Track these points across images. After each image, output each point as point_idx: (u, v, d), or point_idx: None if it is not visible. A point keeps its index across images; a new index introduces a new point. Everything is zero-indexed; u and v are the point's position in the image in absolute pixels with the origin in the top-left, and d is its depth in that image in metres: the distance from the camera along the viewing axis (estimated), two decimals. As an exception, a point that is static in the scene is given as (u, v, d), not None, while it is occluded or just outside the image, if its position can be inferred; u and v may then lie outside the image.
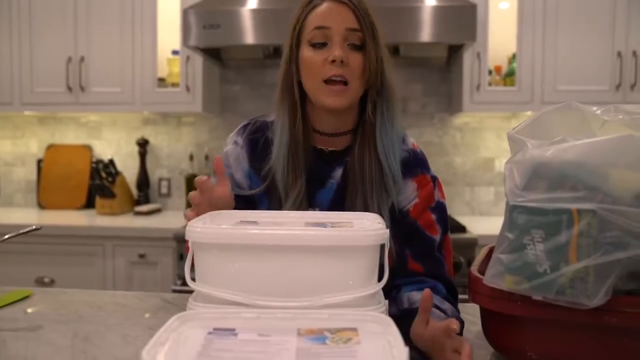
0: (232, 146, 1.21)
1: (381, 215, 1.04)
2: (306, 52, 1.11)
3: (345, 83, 1.09)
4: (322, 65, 1.09)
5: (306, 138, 1.15)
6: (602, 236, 0.70)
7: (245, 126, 1.23)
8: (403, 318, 0.95)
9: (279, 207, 1.13)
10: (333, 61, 1.08)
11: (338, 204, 1.14)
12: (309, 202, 1.13)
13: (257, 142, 1.20)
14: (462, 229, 2.49)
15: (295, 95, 1.14)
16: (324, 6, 1.11)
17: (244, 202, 1.16)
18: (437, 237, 1.14)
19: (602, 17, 2.62)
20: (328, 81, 1.09)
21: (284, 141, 1.14)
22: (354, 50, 1.10)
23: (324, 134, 1.17)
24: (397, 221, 1.12)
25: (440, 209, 1.16)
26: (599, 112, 0.81)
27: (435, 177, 1.19)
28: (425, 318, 0.88)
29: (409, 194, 1.15)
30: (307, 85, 1.13)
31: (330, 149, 1.18)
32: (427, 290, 0.87)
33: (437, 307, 1.00)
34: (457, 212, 3.03)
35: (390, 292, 1.10)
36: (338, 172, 1.16)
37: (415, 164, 1.17)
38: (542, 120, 0.84)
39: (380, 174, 1.12)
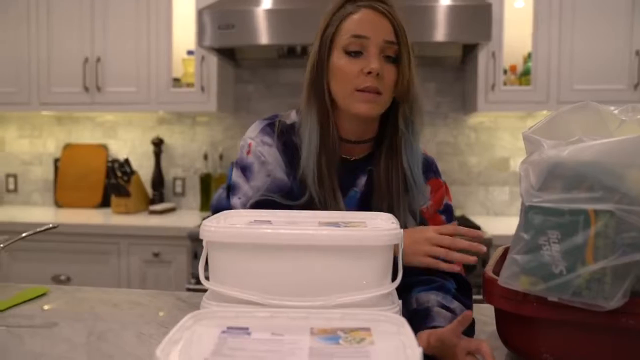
0: (264, 147, 1.15)
1: (405, 221, 1.09)
2: (340, 60, 1.09)
3: (378, 92, 1.08)
4: (357, 75, 1.07)
5: (337, 144, 1.14)
6: (619, 237, 0.69)
7: (270, 125, 1.18)
8: (411, 319, 0.95)
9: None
10: (369, 73, 1.06)
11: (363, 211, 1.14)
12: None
13: (288, 144, 1.16)
14: (476, 229, 2.47)
15: (327, 101, 1.12)
16: (361, 13, 1.09)
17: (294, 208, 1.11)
18: None
19: (619, 15, 2.59)
20: (360, 90, 1.08)
21: (312, 148, 1.11)
22: (388, 63, 1.09)
23: (347, 141, 1.16)
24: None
25: (448, 210, 1.20)
26: (616, 111, 0.80)
27: (444, 181, 1.22)
28: (456, 328, 0.85)
29: (424, 197, 1.17)
30: (338, 92, 1.11)
31: (352, 157, 1.17)
32: (469, 312, 0.84)
33: (445, 307, 0.99)
34: (472, 212, 3.01)
35: (400, 292, 1.10)
36: (362, 181, 1.16)
37: (428, 169, 1.20)
38: (558, 120, 0.83)
39: (404, 185, 1.13)
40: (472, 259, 1.01)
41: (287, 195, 1.11)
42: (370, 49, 1.08)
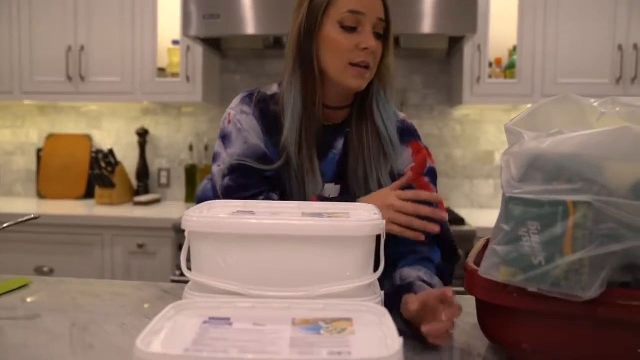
0: (242, 115, 1.19)
1: (380, 181, 1.14)
2: (334, 33, 1.13)
3: (367, 66, 1.14)
4: (352, 50, 1.12)
5: (319, 111, 1.18)
6: (597, 228, 0.70)
7: (248, 96, 1.22)
8: (396, 295, 0.96)
9: (296, 180, 1.16)
10: (365, 49, 1.11)
11: (341, 173, 1.19)
12: None
13: (265, 112, 1.20)
14: (461, 221, 2.49)
15: (315, 71, 1.15)
16: None
17: (274, 171, 1.17)
18: None
19: (603, 11, 2.61)
20: (354, 64, 1.13)
21: (296, 115, 1.15)
22: (377, 39, 1.14)
23: (328, 107, 1.21)
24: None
25: (433, 173, 1.23)
26: (596, 104, 0.81)
27: (426, 147, 1.27)
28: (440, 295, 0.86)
29: (405, 159, 1.22)
30: (330, 64, 1.14)
31: (331, 122, 1.22)
32: (448, 290, 0.86)
33: (426, 282, 1.00)
34: (457, 205, 3.03)
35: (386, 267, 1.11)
36: (339, 143, 1.21)
37: (408, 133, 1.26)
38: (539, 112, 0.84)
39: (379, 142, 1.18)
40: (435, 229, 1.03)
41: (260, 160, 1.15)
42: (366, 25, 1.12)
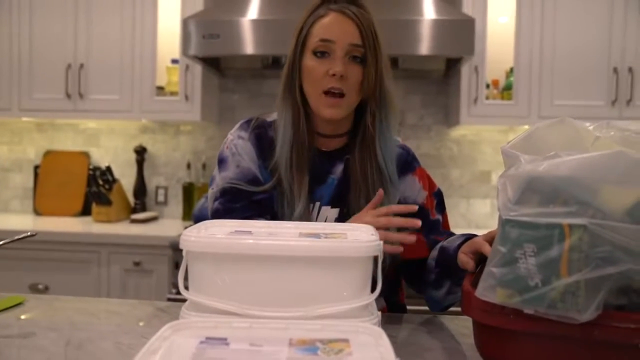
0: (239, 140, 1.24)
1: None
2: (309, 61, 1.17)
3: (342, 95, 1.14)
4: (323, 77, 1.15)
5: (309, 138, 1.21)
6: (593, 251, 0.70)
7: (247, 122, 1.27)
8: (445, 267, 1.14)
9: (287, 204, 1.18)
10: (333, 75, 1.13)
11: (339, 198, 1.21)
12: (310, 198, 1.20)
13: (261, 137, 1.24)
14: (457, 241, 2.49)
15: (298, 99, 1.19)
16: (330, 18, 1.15)
17: (263, 193, 1.20)
18: (439, 217, 1.31)
19: (598, 34, 2.65)
20: (327, 92, 1.15)
21: (286, 140, 1.19)
22: (354, 63, 1.16)
23: (322, 135, 1.24)
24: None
25: (440, 194, 1.33)
26: (591, 128, 0.82)
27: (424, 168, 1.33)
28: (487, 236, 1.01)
29: (415, 189, 1.27)
30: (308, 92, 1.19)
31: (329, 149, 1.24)
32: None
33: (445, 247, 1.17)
34: (453, 225, 2.99)
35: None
36: (339, 168, 1.23)
37: (411, 159, 1.30)
38: (535, 135, 0.84)
39: (380, 176, 1.19)
40: (411, 239, 1.05)
41: (251, 182, 1.19)
42: (337, 52, 1.14)
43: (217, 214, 1.18)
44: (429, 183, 1.31)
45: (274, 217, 1.19)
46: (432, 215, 1.28)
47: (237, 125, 1.27)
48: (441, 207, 1.32)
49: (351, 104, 1.18)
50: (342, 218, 1.20)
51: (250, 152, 1.22)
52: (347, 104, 1.17)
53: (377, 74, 1.17)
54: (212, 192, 1.23)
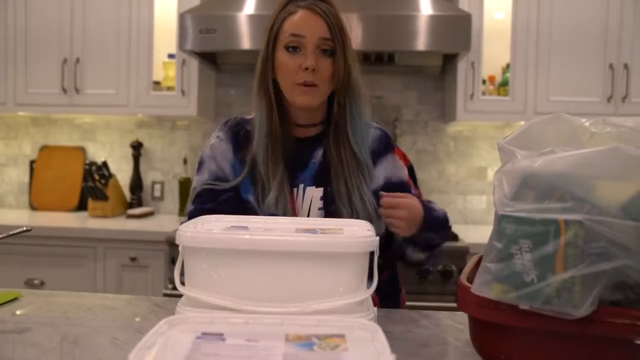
0: (215, 140, 1.32)
1: (363, 198, 1.22)
2: (281, 56, 1.23)
3: (315, 85, 1.21)
4: (295, 71, 1.21)
5: (286, 129, 1.27)
6: (588, 247, 0.71)
7: (224, 123, 1.35)
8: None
9: (263, 192, 1.23)
10: (305, 69, 1.19)
11: (322, 177, 1.26)
12: (291, 183, 1.25)
13: (238, 133, 1.31)
14: (454, 237, 2.50)
15: (271, 92, 1.26)
16: (299, 14, 1.22)
17: (230, 191, 1.27)
18: (418, 191, 1.36)
19: (594, 31, 2.65)
20: (298, 84, 1.21)
21: (262, 133, 1.25)
22: (324, 56, 1.22)
23: (299, 125, 1.30)
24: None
25: (412, 168, 1.40)
26: (587, 124, 0.82)
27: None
28: None
29: (397, 166, 1.32)
30: (282, 85, 1.25)
31: (307, 137, 1.30)
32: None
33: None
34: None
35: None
36: (319, 153, 1.29)
37: (389, 139, 1.35)
38: (531, 131, 0.85)
39: (356, 163, 1.25)
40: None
41: (224, 180, 1.27)
42: (308, 46, 1.21)
43: (192, 216, 1.23)
44: (404, 160, 1.38)
45: (247, 208, 1.24)
46: (413, 189, 1.34)
47: (218, 127, 1.35)
48: (415, 180, 1.39)
49: (323, 93, 1.24)
50: (326, 196, 1.25)
51: (226, 151, 1.30)
52: (320, 92, 1.23)
53: (346, 65, 1.22)
54: (190, 194, 1.31)
